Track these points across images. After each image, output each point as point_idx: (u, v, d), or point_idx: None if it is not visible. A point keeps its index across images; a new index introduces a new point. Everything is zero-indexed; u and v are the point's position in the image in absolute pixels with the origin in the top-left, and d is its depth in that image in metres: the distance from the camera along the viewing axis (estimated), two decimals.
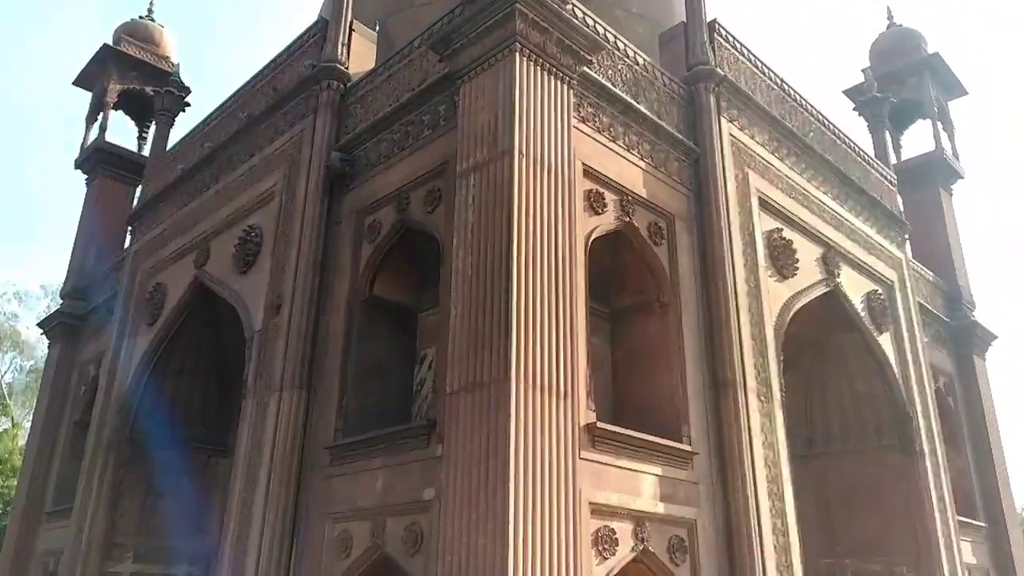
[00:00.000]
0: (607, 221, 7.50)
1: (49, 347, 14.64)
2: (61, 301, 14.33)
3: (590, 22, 7.81)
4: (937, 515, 10.24)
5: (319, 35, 9.61)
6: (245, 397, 8.41)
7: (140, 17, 15.95)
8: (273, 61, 10.36)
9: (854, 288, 10.44)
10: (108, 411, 10.74)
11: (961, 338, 13.40)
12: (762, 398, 8.03)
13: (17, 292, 30.45)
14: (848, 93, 14.82)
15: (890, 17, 16.19)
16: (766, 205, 9.29)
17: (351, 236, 8.28)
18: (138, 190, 13.54)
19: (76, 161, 14.92)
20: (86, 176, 14.84)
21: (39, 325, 15.23)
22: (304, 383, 7.85)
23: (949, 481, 10.79)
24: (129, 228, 12.79)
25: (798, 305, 9.28)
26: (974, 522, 12.04)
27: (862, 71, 14.42)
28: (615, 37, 8.28)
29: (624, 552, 6.41)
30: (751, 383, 7.93)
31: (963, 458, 12.51)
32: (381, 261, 8.05)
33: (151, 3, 16.29)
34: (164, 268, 11.00)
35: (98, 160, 14.58)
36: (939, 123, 15.00)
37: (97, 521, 10.06)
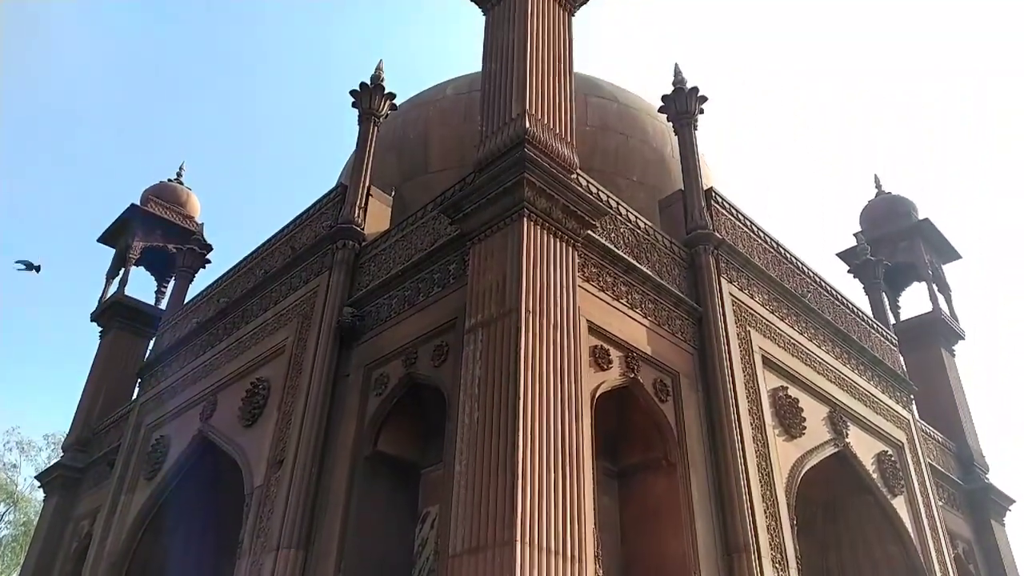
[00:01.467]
0: (612, 377, 7.59)
1: (45, 500, 14.30)
2: (63, 453, 14.17)
3: (593, 189, 8.29)
4: None
5: (338, 198, 10.18)
6: (239, 557, 8.14)
7: (169, 180, 16.89)
8: (293, 221, 10.90)
9: (864, 449, 10.31)
10: (99, 569, 10.35)
11: (976, 502, 13.01)
12: (777, 565, 7.74)
13: (19, 442, 30.04)
14: (842, 256, 15.29)
15: (878, 185, 16.96)
16: (770, 363, 9.40)
17: (359, 389, 8.35)
18: (151, 343, 13.78)
19: (92, 314, 15.27)
20: (101, 329, 15.13)
21: (37, 478, 14.96)
22: (302, 543, 7.63)
23: None
24: (139, 380, 12.90)
25: (808, 466, 9.14)
26: None
27: (854, 235, 15.00)
28: (617, 203, 8.76)
29: None
30: (764, 548, 7.67)
31: None
32: (387, 415, 8.08)
33: (181, 166, 17.32)
34: (169, 421, 10.99)
35: (114, 313, 14.91)
36: (934, 286, 15.35)
37: None
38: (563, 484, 6.05)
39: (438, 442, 7.42)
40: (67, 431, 14.53)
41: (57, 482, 13.53)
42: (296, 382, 8.77)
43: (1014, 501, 13.50)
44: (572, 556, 5.86)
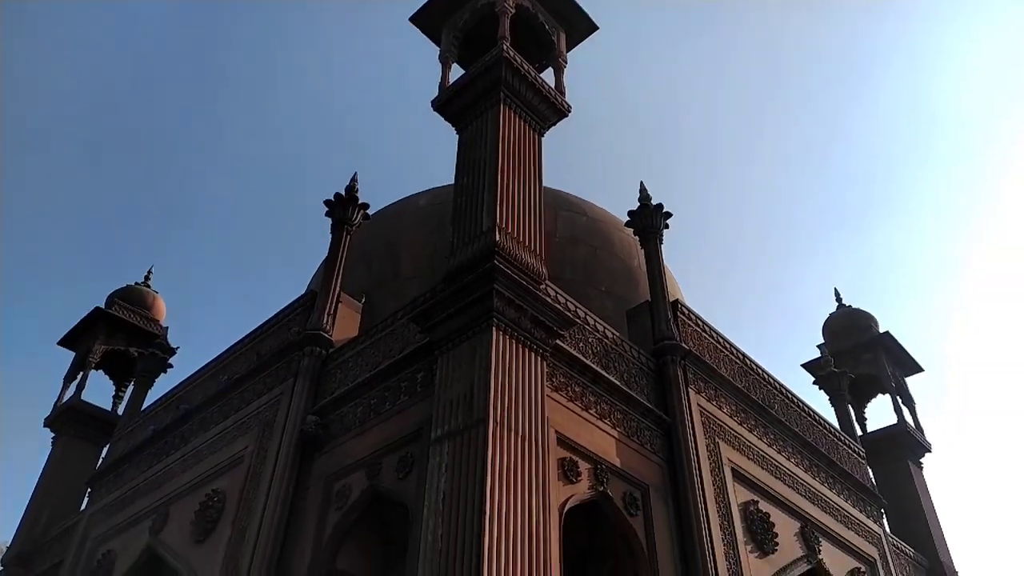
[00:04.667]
0: (581, 491, 7.44)
1: None
2: (1, 568, 13.32)
3: (562, 300, 8.39)
4: None
5: (307, 305, 10.15)
6: None
7: (136, 283, 16.76)
8: (260, 327, 10.81)
9: (837, 566, 10.11)
10: None
11: None
12: None
13: None
14: (807, 367, 15.46)
15: (838, 299, 17.39)
16: (740, 476, 9.30)
17: (319, 503, 8.05)
18: (104, 450, 13.28)
19: (46, 419, 14.74)
20: (54, 435, 14.58)
21: None
22: None
23: None
24: (88, 490, 12.34)
25: None
26: None
27: (817, 347, 15.23)
28: (585, 313, 8.85)
29: None
30: None
31: None
32: (347, 531, 7.77)
33: (149, 270, 17.23)
34: (117, 534, 10.46)
35: (69, 419, 14.42)
36: (898, 398, 15.50)
37: None
38: None
39: (400, 559, 7.13)
40: (9, 543, 13.70)
41: None
42: (253, 494, 8.45)
43: None
44: None
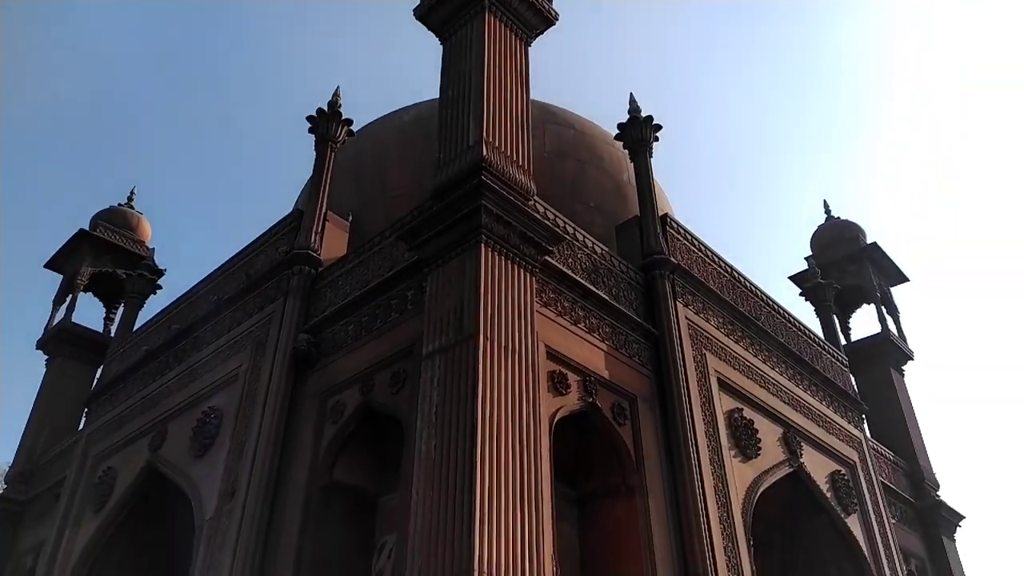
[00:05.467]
0: (571, 401, 7.61)
1: None
2: (5, 485, 13.65)
3: (551, 216, 8.35)
4: None
5: (294, 224, 10.07)
6: None
7: (120, 204, 16.51)
8: (248, 247, 10.75)
9: (818, 469, 10.48)
10: None
11: (928, 519, 13.27)
12: None
13: None
14: (793, 279, 15.61)
15: (827, 210, 17.39)
16: (725, 386, 9.52)
17: (313, 418, 8.22)
18: (99, 371, 13.40)
19: (38, 342, 14.79)
20: (47, 357, 14.67)
21: None
22: None
23: None
24: (86, 410, 12.51)
25: (764, 486, 9.26)
26: None
27: (805, 259, 15.35)
28: (574, 229, 8.83)
29: None
30: (723, 570, 7.72)
31: None
32: (343, 444, 7.96)
33: (132, 190, 16.95)
34: (117, 451, 10.68)
35: (61, 341, 14.47)
36: (883, 308, 15.73)
37: None
38: (522, 511, 6.02)
39: (395, 470, 7.33)
40: (11, 462, 13.99)
41: None
42: (249, 411, 8.60)
43: (964, 517, 13.80)
44: None
